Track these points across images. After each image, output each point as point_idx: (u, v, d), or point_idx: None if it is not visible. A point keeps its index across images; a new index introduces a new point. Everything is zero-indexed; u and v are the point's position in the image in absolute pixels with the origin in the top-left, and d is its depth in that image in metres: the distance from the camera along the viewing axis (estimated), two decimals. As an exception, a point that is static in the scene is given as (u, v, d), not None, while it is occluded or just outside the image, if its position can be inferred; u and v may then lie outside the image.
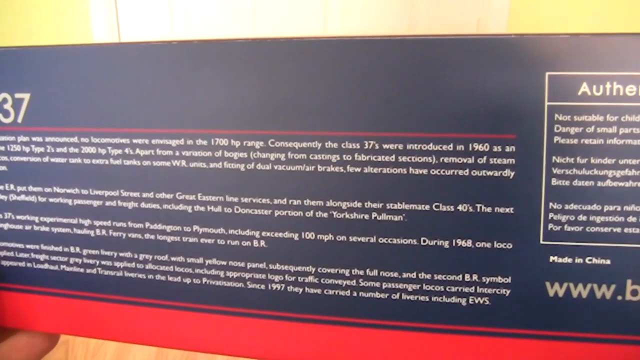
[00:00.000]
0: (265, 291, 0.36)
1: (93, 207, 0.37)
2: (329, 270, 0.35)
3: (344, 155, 0.34)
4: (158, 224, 0.37)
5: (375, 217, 0.34)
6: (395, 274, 0.34)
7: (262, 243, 0.35)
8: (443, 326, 0.34)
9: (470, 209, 0.33)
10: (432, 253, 0.34)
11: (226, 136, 0.35)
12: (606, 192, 0.32)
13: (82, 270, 0.38)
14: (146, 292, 0.38)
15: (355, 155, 0.33)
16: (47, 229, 0.38)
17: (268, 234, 0.35)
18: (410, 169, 0.33)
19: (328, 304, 0.35)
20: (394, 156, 0.33)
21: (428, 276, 0.34)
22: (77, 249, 0.38)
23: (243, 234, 0.36)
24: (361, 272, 0.35)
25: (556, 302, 0.33)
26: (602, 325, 0.33)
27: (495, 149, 0.32)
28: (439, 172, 0.33)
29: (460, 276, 0.34)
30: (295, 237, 0.35)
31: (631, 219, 0.32)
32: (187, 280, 0.37)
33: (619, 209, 0.32)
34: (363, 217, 0.34)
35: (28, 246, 0.39)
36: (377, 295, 0.35)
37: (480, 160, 0.32)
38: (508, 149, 0.32)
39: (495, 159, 0.32)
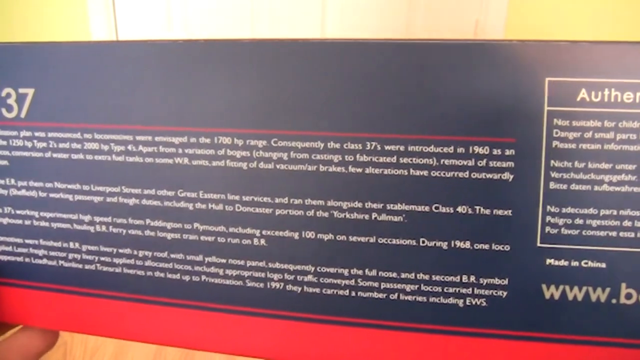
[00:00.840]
0: (264, 290, 0.36)
1: (94, 203, 0.37)
2: (328, 270, 0.35)
3: (345, 156, 0.34)
4: (158, 221, 0.36)
5: (376, 218, 0.34)
6: (394, 274, 0.34)
7: (262, 241, 0.35)
8: (440, 327, 0.34)
9: (469, 211, 0.33)
10: (431, 254, 0.34)
11: (229, 135, 0.35)
12: (602, 196, 0.32)
13: (80, 266, 0.38)
14: (144, 289, 0.37)
15: (357, 156, 0.34)
16: (46, 224, 0.38)
17: (268, 232, 0.35)
18: (411, 171, 0.33)
19: (326, 304, 0.35)
20: (395, 157, 0.33)
21: (426, 277, 0.34)
22: (77, 245, 0.38)
23: (243, 232, 0.35)
24: (360, 272, 0.35)
25: (552, 305, 0.33)
26: (596, 328, 0.33)
27: (495, 152, 0.32)
28: (439, 173, 0.33)
29: (458, 277, 0.34)
30: (296, 236, 0.35)
31: (626, 223, 0.32)
32: (186, 278, 0.37)
33: (614, 213, 0.32)
34: (363, 217, 0.34)
35: (27, 241, 0.38)
36: (375, 295, 0.35)
37: (480, 163, 0.33)
38: (508, 152, 0.32)
39: (494, 162, 0.32)
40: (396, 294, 0.34)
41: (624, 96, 0.31)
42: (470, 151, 0.32)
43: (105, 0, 1.41)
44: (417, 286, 0.34)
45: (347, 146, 0.34)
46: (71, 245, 0.38)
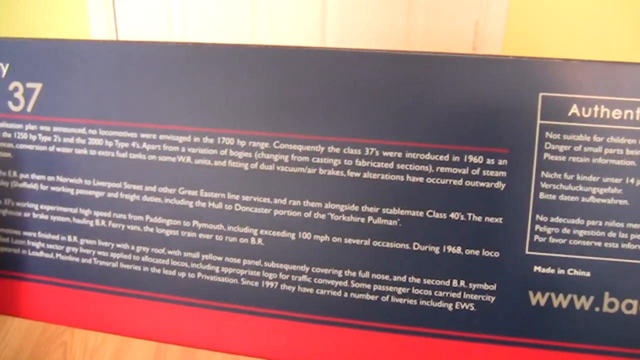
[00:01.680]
0: (258, 288, 0.36)
1: (95, 197, 0.37)
2: (322, 271, 0.35)
3: (345, 160, 0.34)
4: (158, 218, 0.37)
5: (371, 221, 0.35)
6: (386, 277, 0.35)
7: (260, 241, 0.36)
8: (429, 330, 0.35)
9: (462, 217, 0.34)
10: (423, 258, 0.34)
11: (232, 136, 0.35)
12: (589, 207, 0.33)
13: (77, 259, 0.38)
14: (140, 284, 0.37)
15: (356, 161, 0.34)
16: (46, 217, 0.38)
17: (266, 232, 0.36)
18: (408, 177, 0.34)
19: (319, 304, 0.36)
20: (392, 163, 0.34)
21: (417, 280, 0.35)
22: (75, 239, 0.38)
23: (241, 231, 0.36)
24: (353, 274, 0.35)
25: (538, 311, 0.34)
26: (580, 335, 0.34)
27: (488, 161, 0.33)
28: (434, 180, 0.34)
29: (448, 281, 0.34)
30: (292, 236, 0.35)
31: (611, 234, 0.33)
32: (182, 274, 0.37)
33: (600, 224, 0.33)
34: (359, 220, 0.35)
35: (25, 233, 0.38)
36: (367, 297, 0.35)
37: (474, 172, 0.33)
38: (501, 162, 0.33)
39: (488, 171, 0.33)
40: (388, 297, 0.35)
41: (613, 113, 0.32)
42: (465, 160, 0.33)
43: (105, 2, 1.41)
44: (408, 289, 0.35)
45: (346, 151, 0.34)
46: (69, 238, 0.38)
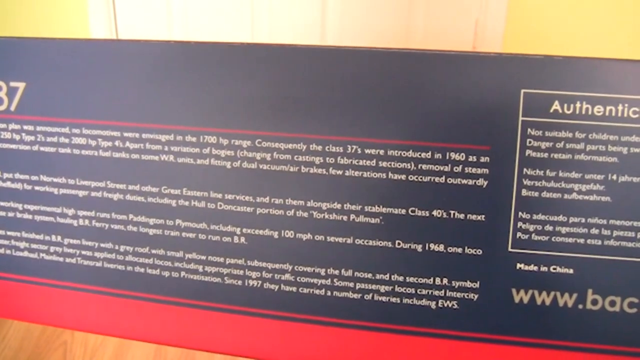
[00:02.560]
0: (242, 287, 0.36)
1: (78, 197, 0.37)
2: (305, 269, 0.35)
3: (327, 158, 0.34)
4: (141, 217, 0.37)
5: (354, 219, 0.35)
6: (369, 275, 0.35)
7: (242, 240, 0.36)
8: (412, 328, 0.35)
9: (444, 215, 0.34)
10: (406, 256, 0.34)
11: (215, 134, 0.35)
12: (572, 204, 0.33)
13: (61, 259, 0.38)
14: (124, 283, 0.37)
15: (338, 159, 0.34)
16: (30, 216, 0.38)
17: (249, 230, 0.36)
18: (390, 174, 0.34)
19: (302, 302, 0.36)
20: (374, 161, 0.34)
21: (400, 278, 0.35)
22: (59, 238, 0.38)
23: (224, 229, 0.36)
24: (336, 272, 0.35)
25: (521, 309, 0.34)
26: (563, 332, 0.34)
27: (470, 158, 0.33)
28: (416, 178, 0.34)
29: (432, 279, 0.34)
30: (275, 235, 0.36)
31: (594, 231, 0.33)
32: (166, 274, 0.37)
33: (583, 221, 0.33)
34: (342, 218, 0.35)
35: (9, 233, 0.39)
36: (350, 295, 0.35)
37: (456, 169, 0.34)
38: (483, 159, 0.33)
39: (470, 168, 0.33)
40: (371, 295, 0.35)
41: (595, 109, 0.32)
42: (447, 157, 0.33)
43: (106, 3, 1.42)
44: (391, 287, 0.35)
45: (328, 149, 0.34)
46: (53, 238, 0.38)
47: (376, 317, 0.35)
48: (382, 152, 0.34)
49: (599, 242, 0.33)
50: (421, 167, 0.34)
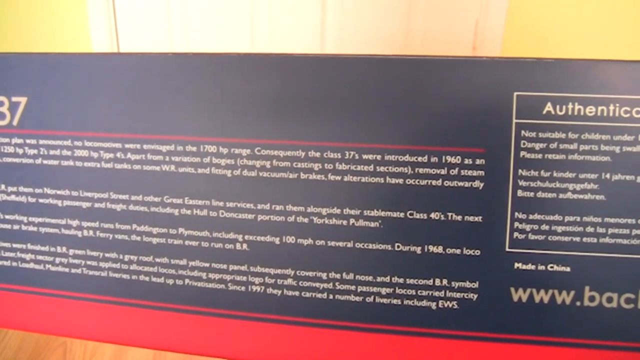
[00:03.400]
0: (245, 293, 0.37)
1: (82, 208, 0.38)
2: (307, 274, 0.36)
3: (325, 164, 0.35)
4: (145, 226, 0.38)
5: (353, 223, 0.36)
6: (370, 278, 0.36)
7: (245, 246, 0.37)
8: (413, 329, 0.36)
9: (442, 217, 0.35)
10: (405, 258, 0.35)
11: (215, 143, 0.36)
12: (567, 203, 0.34)
13: (67, 270, 0.39)
14: (129, 292, 0.38)
15: (336, 165, 0.35)
16: (35, 229, 0.39)
17: (251, 237, 0.37)
18: (387, 178, 0.35)
19: (305, 307, 0.37)
20: (372, 166, 0.35)
21: (401, 280, 0.36)
22: (64, 249, 0.39)
23: (227, 237, 0.37)
24: (338, 276, 0.36)
25: (520, 307, 0.35)
26: (562, 329, 0.34)
27: (466, 161, 0.34)
28: (414, 182, 0.35)
29: (431, 281, 0.35)
30: (277, 241, 0.36)
31: (589, 229, 0.34)
32: (170, 281, 0.38)
33: (578, 219, 0.34)
34: (341, 222, 0.36)
35: (15, 245, 0.40)
36: (352, 298, 0.36)
37: (452, 172, 0.34)
38: (478, 161, 0.34)
39: (466, 171, 0.34)
40: (372, 297, 0.36)
41: (587, 110, 0.33)
42: (443, 160, 0.34)
43: (107, 11, 1.43)
44: (392, 289, 0.36)
45: (327, 155, 0.35)
46: (59, 249, 0.39)
47: (378, 319, 0.36)
48: (379, 157, 0.35)
49: (595, 240, 0.34)
50: (418, 170, 0.35)
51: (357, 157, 0.35)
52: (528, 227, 0.34)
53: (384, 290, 0.36)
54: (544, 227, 0.34)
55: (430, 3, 1.41)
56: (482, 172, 0.34)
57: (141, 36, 1.45)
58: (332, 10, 1.41)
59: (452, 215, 0.35)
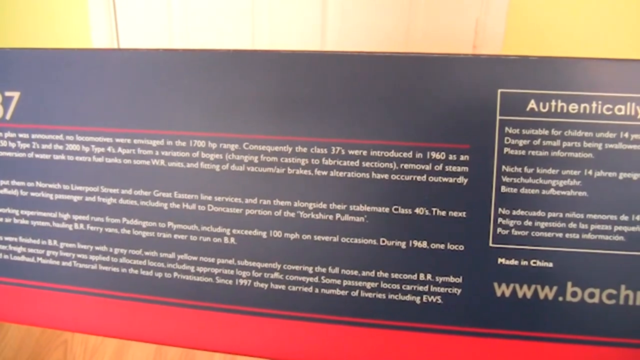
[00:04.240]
0: (232, 286, 0.38)
1: (73, 202, 0.39)
2: (293, 268, 0.37)
3: (312, 159, 0.36)
4: (134, 220, 0.38)
5: (339, 218, 0.36)
6: (355, 272, 0.36)
7: (232, 240, 0.37)
8: (398, 323, 0.36)
9: (427, 213, 0.35)
10: (390, 253, 0.36)
11: (204, 138, 0.37)
12: (550, 199, 0.34)
13: (57, 263, 0.40)
14: (119, 285, 0.39)
15: (323, 160, 0.36)
16: (26, 222, 0.40)
17: (238, 231, 0.37)
18: (373, 174, 0.35)
19: (291, 300, 0.37)
20: (358, 161, 0.35)
21: (385, 275, 0.36)
22: (55, 242, 0.39)
23: (214, 231, 0.37)
24: (323, 270, 0.36)
25: (503, 302, 0.35)
26: (544, 324, 0.35)
27: (450, 157, 0.35)
28: (399, 177, 0.35)
29: (416, 275, 0.36)
30: (264, 235, 0.37)
31: (572, 225, 0.34)
32: (159, 275, 0.38)
33: (561, 215, 0.34)
34: (327, 217, 0.36)
35: (6, 238, 0.40)
36: (337, 292, 0.37)
37: (437, 168, 0.35)
38: (462, 157, 0.35)
39: (450, 167, 0.35)
40: (357, 291, 0.36)
41: (570, 107, 0.34)
42: (428, 156, 0.35)
43: (107, 9, 1.43)
44: (377, 284, 0.36)
45: (313, 150, 0.36)
46: (49, 242, 0.39)
47: (363, 313, 0.36)
48: (365, 152, 0.35)
49: (577, 236, 0.34)
50: (403, 166, 0.35)
51: (343, 152, 0.35)
52: (511, 223, 0.34)
53: (368, 285, 0.36)
54: (527, 222, 0.34)
55: (431, 2, 1.41)
56: (466, 168, 0.35)
57: (142, 34, 1.46)
58: (332, 11, 1.41)
59: (436, 211, 0.35)
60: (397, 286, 0.36)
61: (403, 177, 0.35)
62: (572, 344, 0.35)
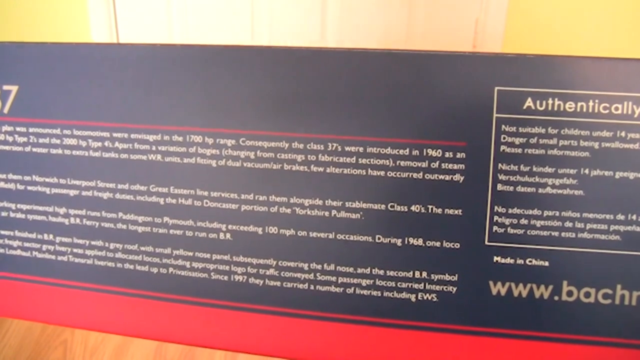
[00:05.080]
0: (227, 282, 0.37)
1: (69, 196, 0.39)
2: (289, 264, 0.37)
3: (308, 156, 0.36)
4: (130, 215, 0.38)
5: (335, 215, 0.36)
6: (351, 269, 0.36)
7: (228, 236, 0.37)
8: (393, 321, 0.36)
9: (423, 210, 0.35)
10: (386, 250, 0.36)
11: (200, 134, 0.37)
12: (546, 198, 0.34)
13: (53, 257, 0.39)
14: (114, 280, 0.39)
15: (319, 156, 0.36)
16: (23, 216, 0.40)
17: (234, 227, 0.37)
18: (369, 171, 0.35)
19: (286, 297, 0.37)
20: (354, 158, 0.35)
21: (381, 272, 0.36)
22: (51, 237, 0.39)
23: (210, 226, 0.37)
24: (319, 267, 0.36)
25: (498, 301, 0.35)
26: (540, 323, 0.35)
27: (447, 154, 0.35)
28: (395, 174, 0.35)
29: (411, 273, 0.36)
30: (259, 231, 0.37)
31: (568, 224, 0.34)
32: (154, 270, 0.38)
33: (557, 214, 0.34)
34: (323, 214, 0.36)
35: (2, 232, 0.40)
36: (332, 289, 0.36)
37: (433, 165, 0.35)
38: (459, 155, 0.34)
39: (447, 164, 0.35)
40: (352, 288, 0.36)
41: (566, 105, 0.33)
42: (424, 154, 0.35)
43: (106, 5, 1.43)
44: (372, 281, 0.36)
45: (310, 147, 0.36)
46: (45, 236, 0.39)
47: (358, 310, 0.36)
48: (361, 149, 0.35)
49: (573, 235, 0.34)
50: (399, 163, 0.35)
51: (339, 149, 0.35)
52: (507, 221, 0.34)
53: (364, 282, 0.36)
54: (523, 221, 0.34)
55: (431, 1, 1.41)
56: (462, 166, 0.34)
57: (141, 29, 1.46)
58: (331, 13, 1.41)
59: (432, 208, 0.35)
60: (393, 283, 0.36)
61: (399, 174, 0.35)
62: (567, 343, 0.35)
